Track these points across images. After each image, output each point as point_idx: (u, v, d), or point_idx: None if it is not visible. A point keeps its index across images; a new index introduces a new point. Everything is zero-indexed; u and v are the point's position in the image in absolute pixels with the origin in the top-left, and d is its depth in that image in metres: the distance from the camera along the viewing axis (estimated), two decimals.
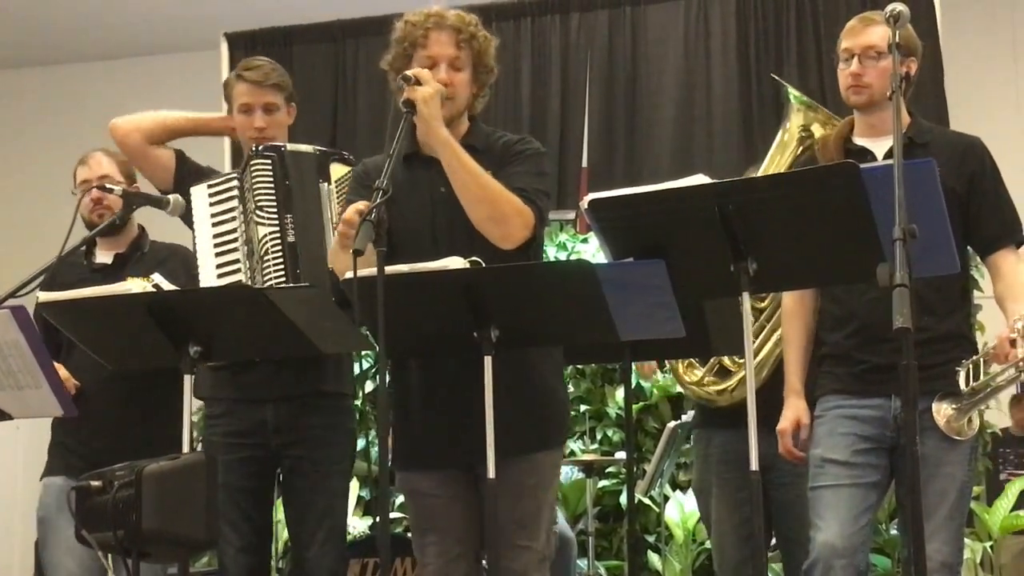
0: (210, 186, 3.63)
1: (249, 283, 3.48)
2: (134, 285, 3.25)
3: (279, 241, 3.50)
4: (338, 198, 3.54)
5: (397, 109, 3.11)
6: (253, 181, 3.55)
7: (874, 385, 3.30)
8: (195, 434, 4.98)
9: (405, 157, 3.15)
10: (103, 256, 4.03)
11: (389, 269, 2.87)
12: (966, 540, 5.71)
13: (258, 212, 3.52)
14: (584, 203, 2.87)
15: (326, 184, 3.58)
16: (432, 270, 3.05)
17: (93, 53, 8.91)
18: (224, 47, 8.09)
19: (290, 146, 3.62)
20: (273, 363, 3.53)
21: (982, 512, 5.94)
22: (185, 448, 3.21)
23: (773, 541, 4.14)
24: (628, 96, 7.63)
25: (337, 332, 3.18)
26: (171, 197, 3.62)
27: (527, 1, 7.78)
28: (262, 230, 3.51)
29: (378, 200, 2.88)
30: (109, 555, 3.05)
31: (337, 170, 3.61)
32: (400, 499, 6.37)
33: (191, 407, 3.23)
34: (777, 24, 7.40)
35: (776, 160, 4.00)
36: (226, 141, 7.94)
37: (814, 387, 3.46)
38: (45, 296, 3.26)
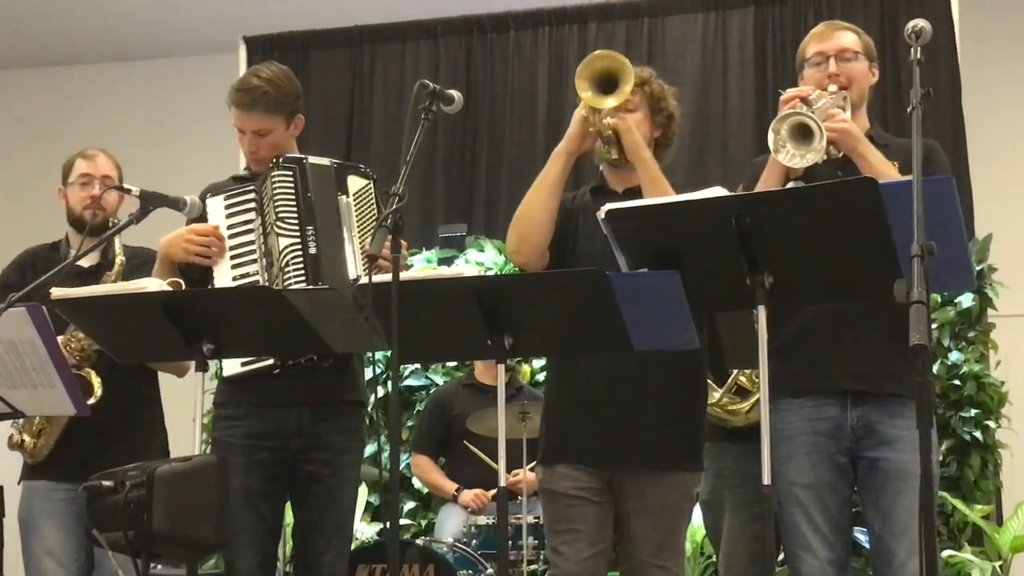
0: (227, 197, 3.63)
1: None
2: (150, 283, 3.26)
3: (300, 252, 3.51)
4: (356, 211, 3.58)
5: (414, 115, 3.14)
6: (274, 192, 3.56)
7: (824, 379, 3.23)
8: (204, 435, 5.03)
9: (592, 190, 3.56)
10: (85, 260, 4.01)
11: (404, 275, 2.88)
12: (975, 559, 5.69)
13: (279, 223, 3.52)
14: (601, 213, 2.87)
15: (344, 197, 3.59)
16: (446, 277, 3.07)
17: (110, 54, 8.93)
18: (242, 50, 8.10)
19: (311, 159, 3.62)
20: (297, 371, 3.51)
21: (992, 531, 5.91)
22: (195, 447, 3.22)
23: (781, 556, 4.13)
24: None
25: (351, 332, 3.19)
26: (188, 198, 3.62)
27: (545, 10, 7.77)
28: (283, 241, 3.51)
29: (395, 206, 2.90)
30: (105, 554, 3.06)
31: (354, 183, 3.63)
32: (409, 505, 6.40)
33: (202, 407, 3.24)
34: (795, 39, 7.33)
35: None
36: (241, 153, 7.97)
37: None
38: (59, 292, 3.26)
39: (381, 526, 6.04)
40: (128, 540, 2.87)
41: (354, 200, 3.60)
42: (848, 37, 3.42)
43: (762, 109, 7.37)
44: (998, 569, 5.86)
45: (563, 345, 3.15)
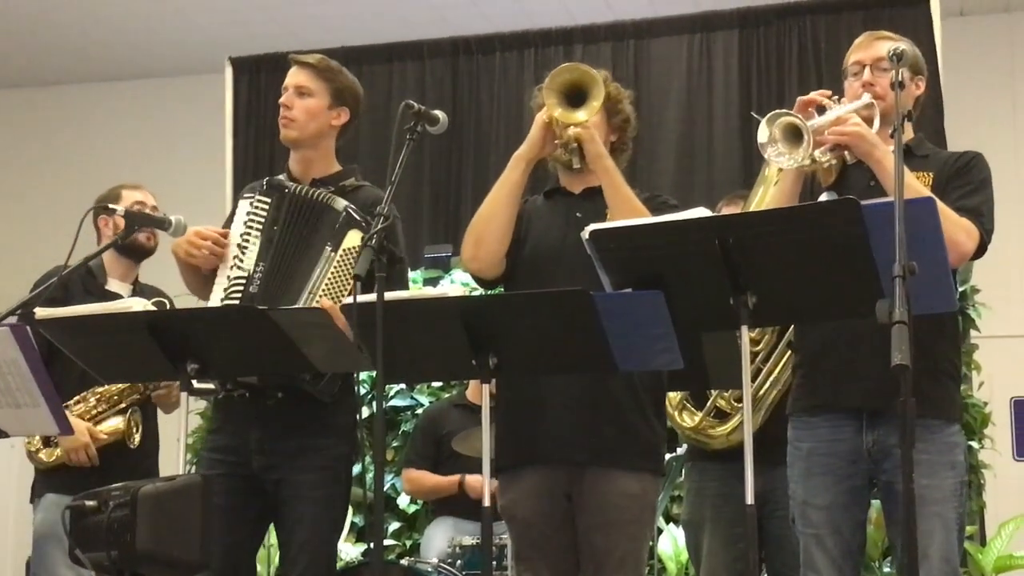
0: (252, 204, 3.51)
1: None
2: (135, 303, 3.26)
3: (241, 290, 3.42)
4: (335, 268, 3.36)
5: (399, 136, 3.15)
6: (248, 217, 3.48)
7: (839, 397, 3.20)
8: (188, 455, 5.03)
9: (546, 193, 3.57)
10: (117, 286, 4.08)
11: (388, 295, 2.89)
12: None
13: (240, 251, 3.45)
14: (585, 233, 2.88)
15: (330, 249, 3.39)
16: (430, 297, 3.08)
17: (98, 74, 8.95)
18: (228, 71, 8.11)
19: (317, 192, 3.47)
20: (262, 388, 3.43)
21: (976, 552, 5.92)
22: (180, 467, 3.21)
23: None
24: None
25: (335, 353, 3.18)
26: (173, 218, 3.62)
27: (531, 31, 7.81)
28: (234, 272, 3.44)
29: (379, 226, 2.91)
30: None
31: (352, 239, 3.38)
32: (393, 526, 6.39)
33: (187, 427, 3.23)
34: (779, 60, 7.43)
35: (762, 195, 3.96)
36: (228, 164, 7.97)
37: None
38: (44, 312, 3.27)
39: (365, 547, 6.02)
40: (111, 560, 2.86)
41: (341, 256, 3.37)
42: (888, 47, 3.28)
43: (747, 130, 7.40)
44: None
45: (548, 364, 3.15)
